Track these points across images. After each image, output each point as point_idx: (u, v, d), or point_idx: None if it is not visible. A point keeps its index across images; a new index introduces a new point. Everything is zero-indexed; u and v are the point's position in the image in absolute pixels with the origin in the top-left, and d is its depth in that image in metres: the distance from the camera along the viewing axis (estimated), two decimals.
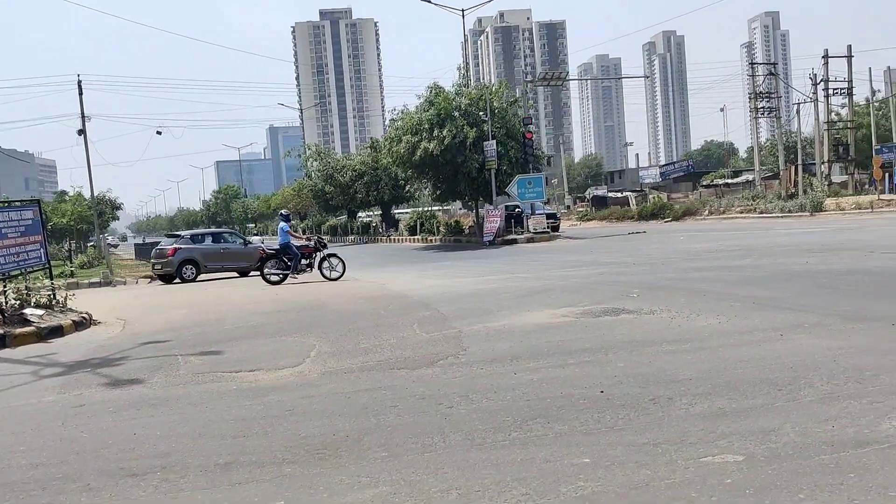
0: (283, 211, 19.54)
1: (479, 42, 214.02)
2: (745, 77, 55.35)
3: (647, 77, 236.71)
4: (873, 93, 53.60)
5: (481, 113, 32.77)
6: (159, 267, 22.37)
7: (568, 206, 68.13)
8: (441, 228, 40.48)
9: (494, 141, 31.69)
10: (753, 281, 10.91)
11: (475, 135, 31.56)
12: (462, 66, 38.21)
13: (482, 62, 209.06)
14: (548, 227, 32.64)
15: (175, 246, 22.12)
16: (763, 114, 50.15)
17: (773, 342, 6.45)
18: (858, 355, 5.72)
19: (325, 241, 18.92)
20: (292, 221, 23.48)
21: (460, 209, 67.33)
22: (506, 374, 6.06)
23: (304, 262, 17.23)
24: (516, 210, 33.56)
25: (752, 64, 54.06)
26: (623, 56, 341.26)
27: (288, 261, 17.08)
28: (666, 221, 40.04)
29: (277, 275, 17.01)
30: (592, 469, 3.76)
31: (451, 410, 5.08)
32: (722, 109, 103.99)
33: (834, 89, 47.30)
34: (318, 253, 17.35)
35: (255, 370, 7.04)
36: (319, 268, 16.99)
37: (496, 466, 3.91)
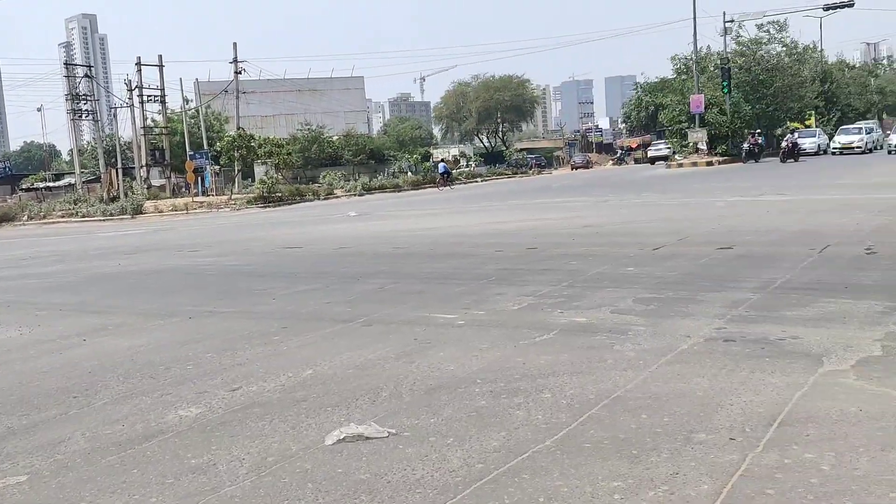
0: None
1: None
2: (64, 77, 53.42)
3: None
4: (186, 101, 57.38)
5: None
6: None
7: None
8: None
9: None
10: (64, 287, 10.55)
11: None
12: None
13: None
14: None
15: None
16: (82, 116, 49.27)
17: (75, 348, 6.30)
18: (156, 351, 5.98)
19: None
20: None
21: None
22: None
23: None
24: None
25: (67, 64, 52.49)
26: None
27: None
28: None
29: None
30: None
31: None
32: (39, 109, 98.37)
33: (149, 96, 49.14)
34: None
35: None
36: None
37: None
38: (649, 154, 60.64)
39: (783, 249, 9.31)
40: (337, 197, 40.25)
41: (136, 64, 48.11)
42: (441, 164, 48.12)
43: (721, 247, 9.79)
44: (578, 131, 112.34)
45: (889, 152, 40.68)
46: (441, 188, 43.13)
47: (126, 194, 41.36)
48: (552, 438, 3.58)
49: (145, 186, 45.83)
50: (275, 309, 7.50)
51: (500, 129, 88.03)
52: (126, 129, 58.07)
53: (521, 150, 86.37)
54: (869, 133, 46.51)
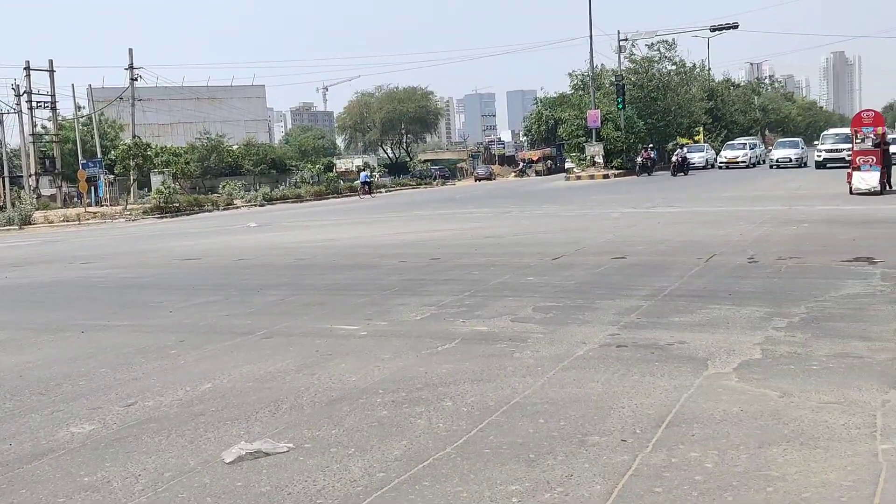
0: None
1: None
2: None
3: None
4: (78, 108, 55.04)
5: None
6: None
7: None
8: None
9: None
10: None
11: None
12: None
13: None
14: None
15: None
16: None
17: None
18: (46, 366, 5.74)
19: None
20: None
21: None
22: None
23: None
24: None
25: None
26: None
27: None
28: None
29: None
30: None
31: None
32: None
33: (38, 102, 46.99)
34: None
35: None
36: None
37: None
38: (566, 165, 62.42)
39: (672, 259, 9.73)
40: (237, 207, 39.40)
41: (24, 68, 45.96)
42: (363, 174, 48.82)
43: (615, 256, 10.15)
44: (482, 143, 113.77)
45: (771, 167, 42.94)
46: (362, 196, 43.37)
47: (13, 204, 39.29)
48: (452, 445, 3.65)
49: (34, 196, 43.67)
50: (172, 322, 7.32)
51: (405, 140, 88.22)
52: (13, 137, 55.46)
53: (426, 161, 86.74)
54: (753, 148, 48.97)
